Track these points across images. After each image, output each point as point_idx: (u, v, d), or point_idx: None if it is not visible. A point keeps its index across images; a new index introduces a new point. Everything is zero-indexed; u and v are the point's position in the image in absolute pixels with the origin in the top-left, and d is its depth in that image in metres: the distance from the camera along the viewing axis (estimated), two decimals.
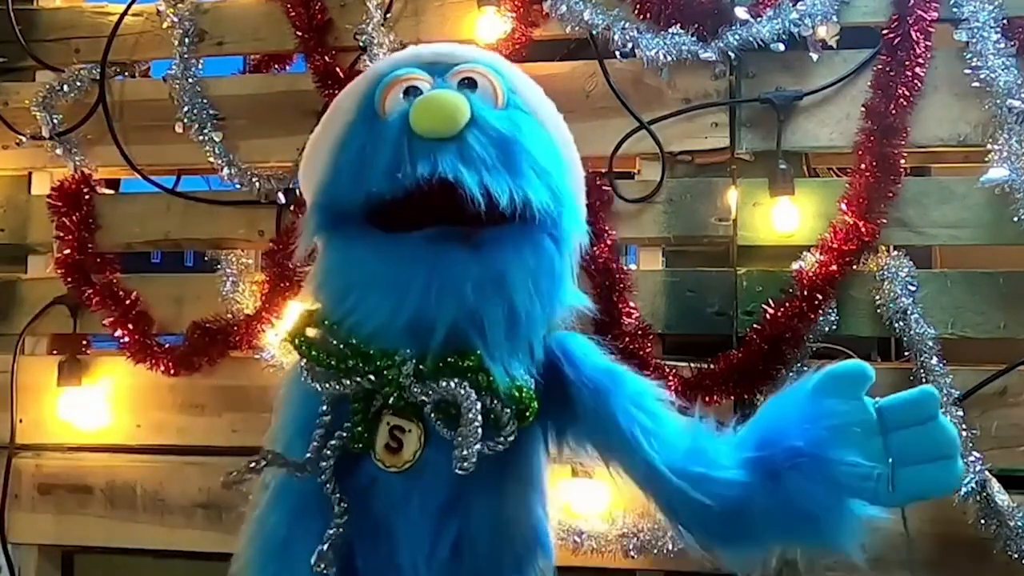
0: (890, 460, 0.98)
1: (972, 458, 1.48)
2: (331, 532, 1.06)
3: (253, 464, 1.07)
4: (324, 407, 1.09)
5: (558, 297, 1.11)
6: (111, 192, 2.06)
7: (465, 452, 1.00)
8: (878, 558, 1.57)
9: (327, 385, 1.07)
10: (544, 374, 1.11)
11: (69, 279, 1.89)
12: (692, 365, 1.62)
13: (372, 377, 1.06)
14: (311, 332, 1.09)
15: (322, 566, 1.06)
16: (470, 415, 1.01)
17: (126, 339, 1.85)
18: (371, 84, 1.13)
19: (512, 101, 1.13)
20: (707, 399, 1.59)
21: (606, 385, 1.10)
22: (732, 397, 1.61)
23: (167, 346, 1.86)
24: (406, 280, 1.03)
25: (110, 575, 1.98)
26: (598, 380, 1.11)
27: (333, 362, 1.07)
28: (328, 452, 1.07)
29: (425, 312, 1.03)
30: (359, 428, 1.08)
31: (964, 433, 1.49)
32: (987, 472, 1.48)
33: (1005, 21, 1.57)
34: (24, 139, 1.95)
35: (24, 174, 2.02)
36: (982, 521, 1.49)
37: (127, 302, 1.87)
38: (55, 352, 1.97)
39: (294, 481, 1.10)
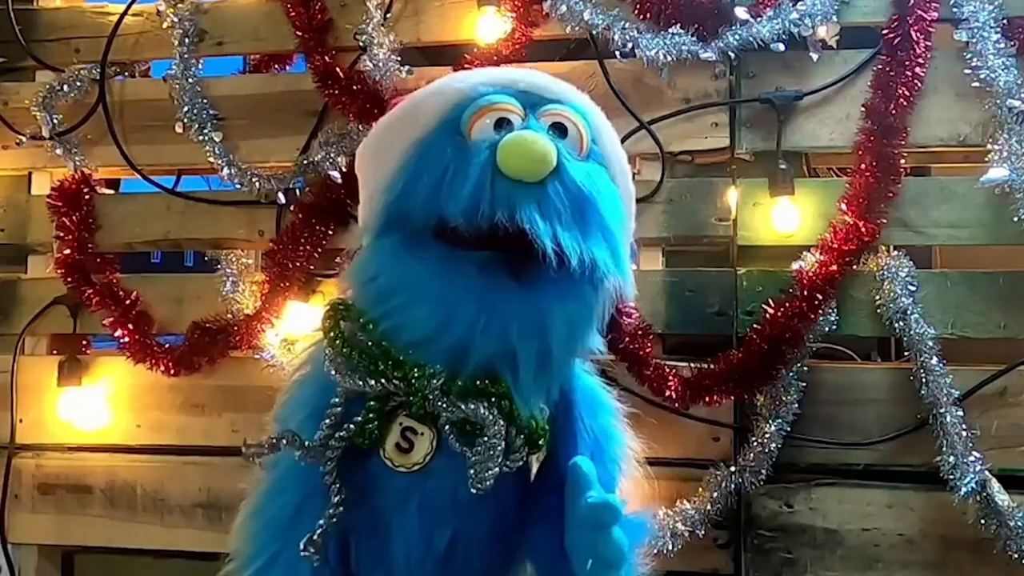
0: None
1: (972, 458, 1.48)
2: (322, 522, 1.07)
3: (274, 441, 1.08)
4: (337, 399, 1.09)
5: (587, 343, 1.16)
6: (111, 192, 2.06)
7: (484, 474, 1.03)
8: (878, 558, 1.58)
9: (349, 380, 1.08)
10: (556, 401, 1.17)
11: (69, 279, 1.89)
12: (692, 365, 1.62)
13: (398, 383, 1.07)
14: (344, 325, 1.10)
15: (311, 551, 1.07)
16: (493, 440, 1.04)
17: (126, 339, 1.85)
18: (462, 99, 1.13)
19: (593, 152, 1.15)
20: (707, 399, 1.60)
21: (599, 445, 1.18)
22: (732, 397, 1.61)
23: (167, 346, 1.85)
24: (456, 305, 1.05)
25: (110, 575, 1.98)
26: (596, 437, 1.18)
27: (364, 363, 1.08)
28: (334, 443, 1.08)
29: (468, 340, 1.05)
30: (371, 426, 1.09)
31: (964, 433, 1.49)
32: (987, 472, 1.48)
33: (1005, 21, 1.57)
34: (24, 139, 1.95)
35: (24, 174, 2.02)
36: (982, 521, 1.49)
37: (127, 302, 1.87)
38: (55, 352, 1.97)
39: (304, 464, 1.10)
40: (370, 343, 1.08)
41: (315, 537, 1.07)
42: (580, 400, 1.19)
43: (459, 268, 1.06)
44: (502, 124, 1.10)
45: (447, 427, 1.08)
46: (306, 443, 1.08)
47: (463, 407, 1.06)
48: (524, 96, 1.13)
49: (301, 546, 1.06)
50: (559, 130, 1.12)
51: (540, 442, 1.11)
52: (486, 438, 1.04)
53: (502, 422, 1.05)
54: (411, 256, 1.09)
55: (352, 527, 1.11)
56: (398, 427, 1.10)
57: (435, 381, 1.07)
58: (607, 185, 1.13)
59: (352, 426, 1.08)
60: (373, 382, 1.07)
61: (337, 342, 1.09)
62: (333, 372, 1.09)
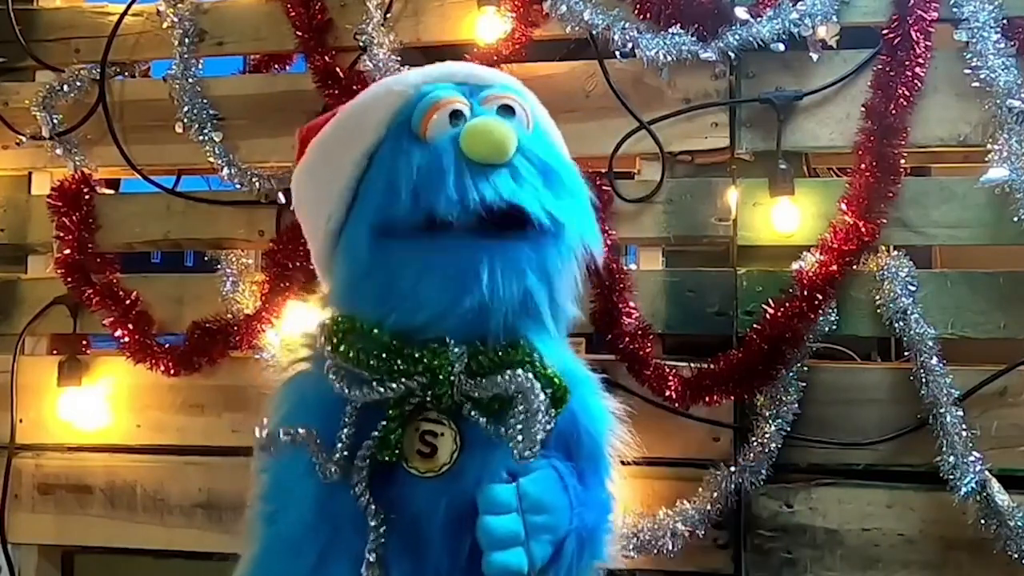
0: None
1: (972, 458, 1.48)
2: (372, 544, 1.05)
3: (290, 435, 1.05)
4: (346, 419, 1.07)
5: (572, 296, 1.17)
6: (111, 192, 2.06)
7: (533, 439, 1.01)
8: (878, 558, 1.58)
9: (362, 392, 1.05)
10: None
11: (69, 279, 1.89)
12: (692, 365, 1.62)
13: (419, 379, 1.06)
14: (349, 337, 1.07)
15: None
16: (535, 404, 1.02)
17: (126, 339, 1.85)
18: (406, 101, 1.14)
19: (536, 126, 1.19)
20: (707, 399, 1.60)
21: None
22: (732, 397, 1.61)
23: (167, 346, 1.85)
24: (468, 263, 1.06)
25: (110, 575, 1.98)
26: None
27: (378, 365, 1.06)
28: (360, 464, 1.06)
29: (490, 294, 1.05)
30: (394, 435, 1.06)
31: (964, 433, 1.49)
32: (987, 472, 1.48)
33: (1005, 21, 1.57)
34: (24, 139, 1.95)
35: (24, 174, 2.02)
36: (982, 521, 1.49)
37: (127, 302, 1.87)
38: (55, 352, 1.97)
39: (317, 508, 1.08)
40: (378, 348, 1.06)
41: (372, 560, 1.04)
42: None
43: (462, 239, 1.07)
44: (456, 116, 1.12)
45: (473, 413, 1.06)
46: (325, 448, 1.05)
47: (498, 380, 1.04)
48: (463, 87, 1.16)
49: (363, 572, 1.04)
50: (507, 111, 1.16)
51: (563, 401, 1.08)
52: (527, 403, 1.02)
53: (539, 386, 1.03)
54: (403, 247, 1.09)
55: (384, 549, 1.07)
56: (415, 433, 1.09)
57: (457, 366, 1.06)
58: (559, 153, 1.19)
59: (371, 442, 1.06)
60: (394, 385, 1.05)
61: (351, 354, 1.05)
62: (346, 390, 1.05)
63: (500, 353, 1.07)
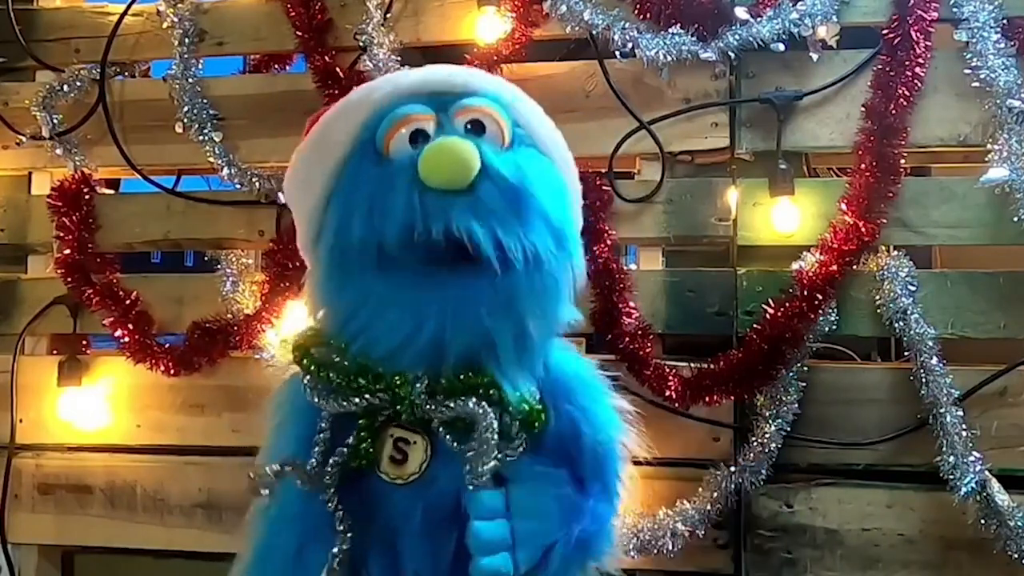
0: None
1: (972, 458, 1.48)
2: (336, 550, 1.06)
3: (278, 468, 1.07)
4: (323, 424, 1.09)
5: (559, 316, 1.14)
6: (111, 192, 2.06)
7: (481, 468, 1.02)
8: (878, 558, 1.58)
9: (334, 403, 1.07)
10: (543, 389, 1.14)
11: (69, 279, 1.89)
12: (692, 365, 1.62)
13: (382, 395, 1.07)
14: (316, 351, 1.09)
15: None
16: (487, 434, 1.03)
17: (126, 339, 1.85)
18: (370, 117, 1.11)
19: (516, 136, 1.13)
20: (707, 399, 1.60)
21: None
22: (732, 397, 1.61)
23: (167, 346, 1.85)
24: (423, 304, 1.04)
25: (110, 575, 1.98)
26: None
27: (344, 382, 1.07)
28: (330, 469, 1.07)
29: (441, 333, 1.04)
30: (364, 444, 1.08)
31: (964, 433, 1.49)
32: (987, 472, 1.48)
33: (1005, 21, 1.57)
34: (24, 139, 1.95)
35: (24, 174, 2.02)
36: (982, 521, 1.49)
37: (127, 302, 1.87)
38: (55, 352, 1.97)
39: (302, 501, 1.09)
40: (346, 363, 1.07)
41: (334, 567, 1.05)
42: (563, 380, 1.16)
43: (420, 273, 1.05)
44: (417, 137, 1.09)
45: (440, 429, 1.07)
46: (309, 469, 1.07)
47: (452, 405, 1.05)
48: (435, 100, 1.11)
49: None
50: (477, 127, 1.11)
51: (536, 425, 1.09)
52: (479, 432, 1.03)
53: (493, 413, 1.04)
54: (367, 275, 1.07)
55: (360, 552, 1.09)
56: (390, 439, 1.10)
57: (418, 385, 1.07)
58: (538, 166, 1.12)
59: (345, 449, 1.07)
60: (358, 400, 1.07)
61: (313, 368, 1.08)
62: (316, 399, 1.08)
63: (461, 377, 1.06)
